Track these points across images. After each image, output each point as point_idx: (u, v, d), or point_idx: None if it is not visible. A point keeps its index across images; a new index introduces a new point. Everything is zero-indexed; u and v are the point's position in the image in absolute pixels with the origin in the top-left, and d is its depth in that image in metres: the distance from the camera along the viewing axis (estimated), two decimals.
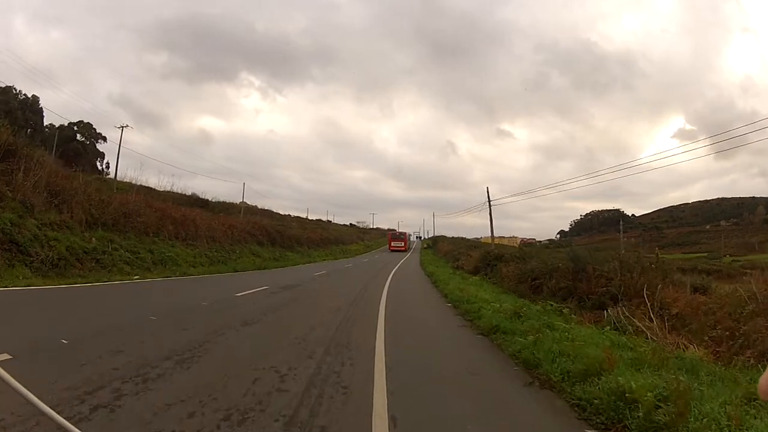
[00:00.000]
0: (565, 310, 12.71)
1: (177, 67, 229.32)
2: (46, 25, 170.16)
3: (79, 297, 13.75)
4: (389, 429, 4.66)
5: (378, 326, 10.96)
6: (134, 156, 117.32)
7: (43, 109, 73.73)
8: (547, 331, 9.39)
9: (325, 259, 55.57)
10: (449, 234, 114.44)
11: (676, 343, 10.47)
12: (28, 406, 1.74)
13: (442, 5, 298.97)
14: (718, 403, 5.05)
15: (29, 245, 17.56)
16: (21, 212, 18.60)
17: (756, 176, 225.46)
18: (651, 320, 12.12)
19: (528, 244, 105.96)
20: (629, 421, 4.95)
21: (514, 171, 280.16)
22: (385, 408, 5.15)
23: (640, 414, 4.93)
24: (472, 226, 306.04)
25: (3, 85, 64.01)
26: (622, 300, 14.00)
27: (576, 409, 5.58)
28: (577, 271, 17.23)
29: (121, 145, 56.14)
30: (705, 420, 4.67)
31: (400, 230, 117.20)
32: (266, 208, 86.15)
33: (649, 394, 5.17)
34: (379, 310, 13.79)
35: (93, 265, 19.96)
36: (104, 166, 79.92)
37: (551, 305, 13.17)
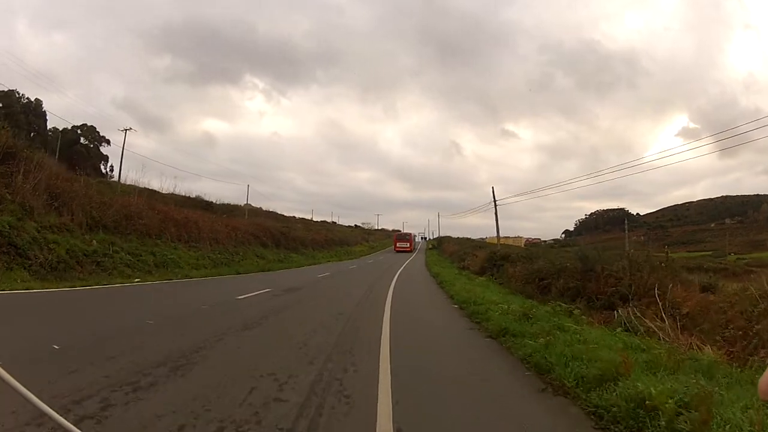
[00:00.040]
0: (576, 311, 12.35)
1: (181, 70, 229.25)
2: (49, 29, 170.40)
3: (76, 301, 13.52)
4: None
5: (383, 330, 10.60)
6: (139, 159, 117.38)
7: (46, 113, 74.10)
8: (558, 333, 9.04)
9: (329, 261, 55.45)
10: (454, 234, 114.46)
11: (689, 343, 10.14)
12: (29, 407, 1.73)
13: (447, 6, 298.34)
14: (739, 407, 4.71)
15: (28, 248, 17.42)
16: (20, 215, 18.45)
17: (760, 174, 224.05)
18: (662, 320, 11.82)
19: (533, 244, 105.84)
20: (650, 431, 4.62)
21: (518, 171, 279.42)
22: (390, 419, 4.81)
23: (662, 422, 4.60)
24: (476, 226, 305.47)
25: (5, 89, 64.28)
26: (632, 300, 13.73)
27: (593, 417, 5.23)
28: (586, 270, 16.97)
29: (126, 148, 56.40)
30: (728, 427, 4.35)
31: (405, 231, 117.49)
32: (271, 209, 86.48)
33: (670, 401, 4.87)
34: (383, 313, 13.42)
35: (93, 267, 19.80)
36: (108, 169, 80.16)
37: (560, 306, 12.84)
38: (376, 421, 4.77)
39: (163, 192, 45.35)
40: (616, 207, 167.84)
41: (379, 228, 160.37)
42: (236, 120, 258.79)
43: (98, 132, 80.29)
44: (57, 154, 53.15)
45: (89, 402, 4.78)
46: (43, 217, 19.80)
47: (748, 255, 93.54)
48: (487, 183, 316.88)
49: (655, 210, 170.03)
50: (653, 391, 5.05)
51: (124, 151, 55.96)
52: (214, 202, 57.61)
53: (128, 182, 43.28)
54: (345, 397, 5.46)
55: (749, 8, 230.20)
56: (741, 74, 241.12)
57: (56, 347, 7.15)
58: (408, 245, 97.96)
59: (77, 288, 15.69)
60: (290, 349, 8.21)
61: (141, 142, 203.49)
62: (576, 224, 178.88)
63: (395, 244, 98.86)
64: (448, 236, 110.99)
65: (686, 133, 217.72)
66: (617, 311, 12.93)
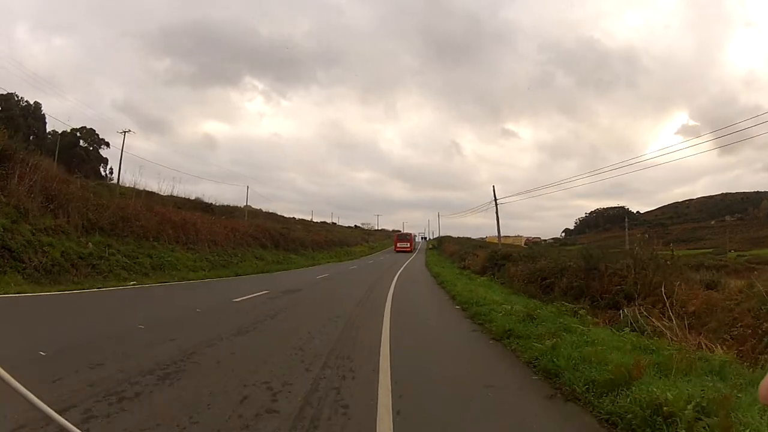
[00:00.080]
0: (581, 311, 12.04)
1: (181, 72, 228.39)
2: (48, 32, 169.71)
3: (68, 305, 13.21)
4: None
5: (382, 333, 10.26)
6: (139, 162, 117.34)
7: (46, 116, 73.78)
8: (564, 334, 8.74)
9: (329, 262, 55.27)
10: (454, 234, 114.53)
11: (698, 343, 9.84)
12: (29, 407, 1.64)
13: (447, 6, 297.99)
14: (757, 410, 4.45)
15: (22, 251, 17.11)
16: (15, 217, 18.18)
17: (760, 171, 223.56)
18: (670, 320, 11.52)
19: (534, 243, 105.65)
20: None
21: (519, 170, 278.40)
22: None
23: (681, 430, 4.32)
24: (477, 225, 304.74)
25: (5, 92, 64.12)
26: (637, 299, 13.46)
27: (606, 425, 4.93)
28: (589, 269, 16.69)
29: (126, 151, 56.36)
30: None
31: (405, 231, 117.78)
32: (271, 211, 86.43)
33: (688, 407, 4.58)
34: (383, 315, 13.09)
35: (88, 270, 19.45)
36: (108, 172, 79.71)
37: (565, 306, 12.54)
38: None
39: (163, 194, 45.30)
40: (616, 205, 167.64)
41: (379, 228, 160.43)
42: (236, 121, 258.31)
43: (97, 135, 79.78)
44: (56, 157, 52.85)
45: (70, 414, 4.48)
46: (39, 219, 19.52)
47: (748, 252, 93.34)
48: (487, 182, 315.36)
49: (655, 208, 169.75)
50: (670, 396, 4.76)
51: (124, 153, 55.53)
52: (213, 203, 57.64)
53: (128, 185, 43.27)
54: (342, 408, 5.13)
55: (750, 6, 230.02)
56: (741, 72, 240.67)
57: (43, 353, 6.87)
58: (408, 245, 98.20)
59: (71, 291, 15.38)
60: (286, 354, 7.88)
61: (141, 145, 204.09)
62: (576, 223, 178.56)
63: (396, 245, 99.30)
64: (449, 236, 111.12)
65: (686, 131, 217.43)
66: (623, 311, 12.62)
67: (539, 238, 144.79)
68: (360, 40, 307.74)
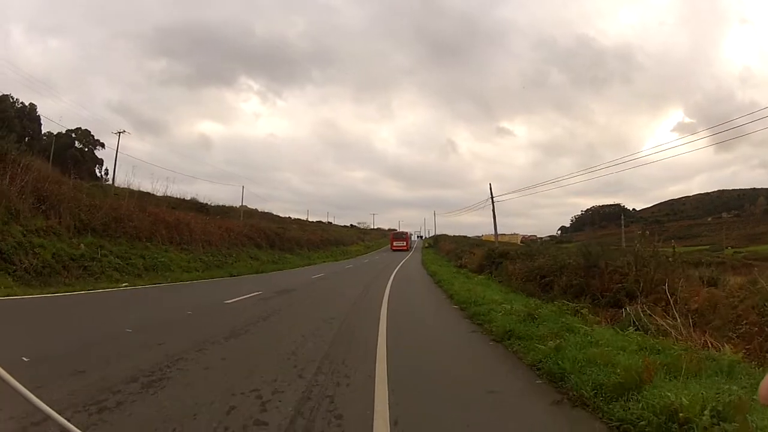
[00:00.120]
0: (584, 310, 11.76)
1: (176, 72, 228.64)
2: (43, 34, 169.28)
3: (57, 308, 12.88)
4: None
5: (379, 335, 9.93)
6: (134, 162, 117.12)
7: (41, 117, 73.44)
8: (567, 334, 8.44)
9: (325, 261, 55.10)
10: (450, 233, 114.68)
11: (704, 342, 9.58)
12: (30, 407, 1.72)
13: (441, 4, 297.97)
14: None
15: (13, 253, 16.90)
16: (6, 218, 18.07)
17: (756, 167, 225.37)
18: (674, 318, 11.27)
19: (530, 241, 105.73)
20: None
21: (514, 168, 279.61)
22: None
23: None
24: (472, 224, 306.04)
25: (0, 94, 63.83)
26: (639, 296, 13.21)
27: None
28: (589, 267, 16.44)
29: (121, 151, 55.90)
30: None
31: (401, 230, 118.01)
32: (266, 211, 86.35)
33: (705, 412, 4.31)
34: (380, 316, 12.75)
35: (80, 272, 19.21)
36: (103, 173, 79.53)
37: (567, 305, 12.26)
38: None
39: (158, 194, 44.96)
40: (612, 203, 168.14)
41: (375, 227, 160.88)
42: (232, 122, 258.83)
43: (93, 136, 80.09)
44: (51, 158, 52.70)
45: (47, 426, 4.10)
46: (30, 220, 19.34)
47: (744, 248, 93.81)
48: (483, 181, 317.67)
49: (651, 205, 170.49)
50: (685, 402, 4.48)
51: (119, 154, 55.38)
52: (208, 203, 57.30)
53: (123, 185, 42.94)
54: (336, 419, 4.77)
55: (745, 2, 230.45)
56: (737, 68, 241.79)
57: (26, 359, 6.55)
58: (404, 244, 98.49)
59: (60, 294, 15.06)
60: (277, 359, 7.52)
61: (137, 145, 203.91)
62: (572, 220, 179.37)
63: (392, 243, 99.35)
64: (444, 234, 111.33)
65: (682, 128, 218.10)
66: (625, 309, 12.35)
67: (535, 235, 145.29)
68: (354, 40, 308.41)
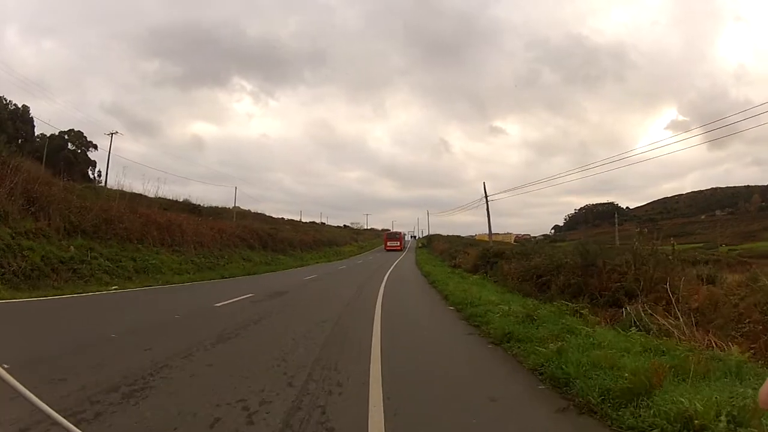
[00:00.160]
0: (584, 311, 11.49)
1: (169, 73, 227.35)
2: (37, 35, 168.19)
3: (43, 311, 12.57)
4: None
5: (372, 339, 9.61)
6: (127, 164, 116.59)
7: (34, 119, 72.95)
8: (569, 336, 8.15)
9: (318, 262, 54.89)
10: (443, 232, 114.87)
11: (707, 342, 9.34)
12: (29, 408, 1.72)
13: (435, 4, 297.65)
14: None
15: (1, 256, 16.59)
16: None
17: (750, 165, 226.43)
18: (675, 317, 11.04)
19: (524, 240, 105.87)
20: None
21: (507, 168, 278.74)
22: None
23: None
24: (465, 223, 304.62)
25: None
26: (639, 296, 12.98)
27: None
28: (587, 266, 16.20)
29: (114, 152, 55.54)
30: None
31: (394, 230, 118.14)
32: (259, 211, 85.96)
33: (721, 418, 4.07)
34: (373, 319, 12.46)
35: (69, 275, 18.87)
36: (96, 174, 79.04)
37: (566, 305, 12.00)
38: None
39: (150, 196, 44.60)
40: (605, 201, 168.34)
41: (368, 228, 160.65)
42: (225, 122, 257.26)
43: (85, 137, 79.53)
44: (44, 160, 52.41)
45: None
46: (19, 222, 18.98)
47: (739, 246, 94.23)
48: (476, 180, 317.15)
49: (644, 203, 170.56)
50: (699, 407, 4.22)
51: (112, 155, 55.09)
52: (201, 205, 56.95)
53: (115, 187, 42.58)
54: (327, 431, 4.52)
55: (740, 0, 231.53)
56: (731, 66, 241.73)
57: (6, 366, 6.21)
58: (398, 244, 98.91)
59: (48, 297, 14.74)
60: (266, 366, 7.18)
61: (130, 147, 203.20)
62: (565, 219, 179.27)
63: (385, 243, 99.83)
64: (438, 234, 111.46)
65: (675, 126, 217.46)
66: (625, 308, 12.12)
67: (529, 235, 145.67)
68: (348, 40, 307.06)
